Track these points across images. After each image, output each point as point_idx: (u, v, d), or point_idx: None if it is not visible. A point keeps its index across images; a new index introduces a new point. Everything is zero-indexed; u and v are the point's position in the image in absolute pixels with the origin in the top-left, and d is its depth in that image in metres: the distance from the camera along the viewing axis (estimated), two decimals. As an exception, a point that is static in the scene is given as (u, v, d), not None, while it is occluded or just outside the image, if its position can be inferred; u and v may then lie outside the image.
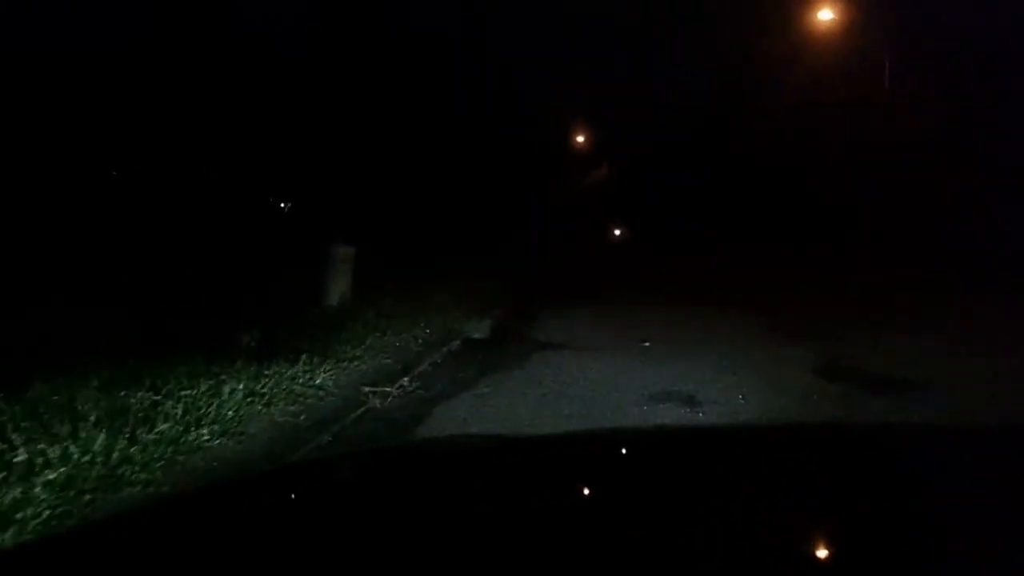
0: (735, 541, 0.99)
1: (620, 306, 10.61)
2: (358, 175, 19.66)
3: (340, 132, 20.04)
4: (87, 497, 2.96)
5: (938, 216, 17.34)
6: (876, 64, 19.96)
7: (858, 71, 20.85)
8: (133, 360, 4.78)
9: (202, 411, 4.11)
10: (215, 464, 3.61)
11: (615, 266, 18.72)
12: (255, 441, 4.04)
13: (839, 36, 20.70)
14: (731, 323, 8.86)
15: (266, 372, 5.14)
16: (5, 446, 3.21)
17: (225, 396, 4.41)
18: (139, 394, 4.12)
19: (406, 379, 5.86)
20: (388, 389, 5.50)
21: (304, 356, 5.72)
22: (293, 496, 1.33)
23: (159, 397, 4.11)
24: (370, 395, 5.33)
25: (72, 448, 3.27)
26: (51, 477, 2.98)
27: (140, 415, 3.79)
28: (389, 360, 6.58)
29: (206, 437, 3.85)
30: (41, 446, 3.25)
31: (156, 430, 3.68)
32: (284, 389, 4.98)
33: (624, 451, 1.63)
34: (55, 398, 3.88)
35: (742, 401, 5.35)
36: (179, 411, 3.98)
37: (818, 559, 1.02)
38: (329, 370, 5.66)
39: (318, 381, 5.34)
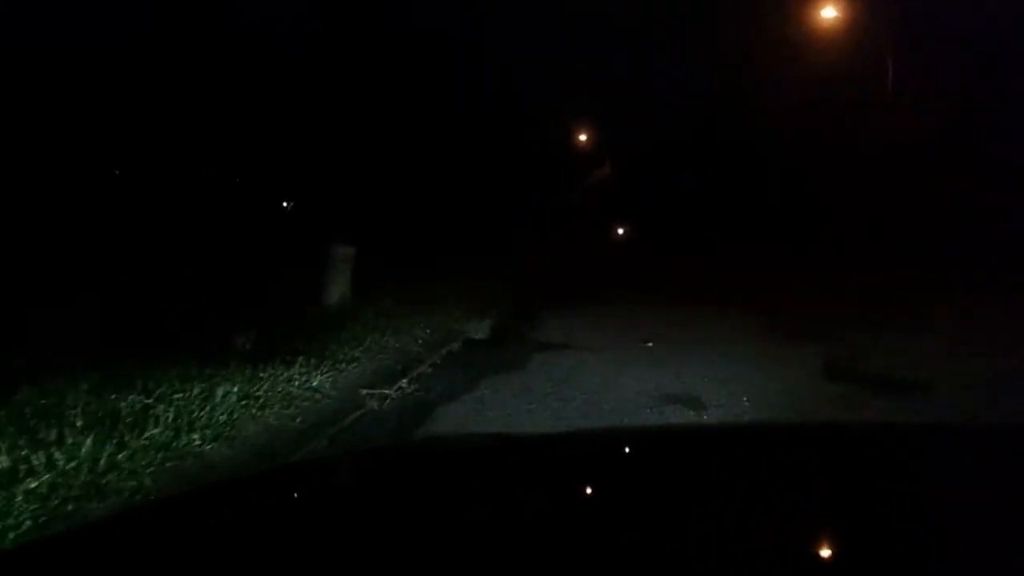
0: (736, 541, 0.98)
1: (621, 306, 10.52)
2: (358, 175, 19.58)
3: (340, 132, 19.97)
4: (70, 507, 2.85)
5: (938, 216, 17.26)
6: (878, 63, 19.90)
7: (860, 70, 20.78)
8: (125, 362, 4.68)
9: (194, 415, 4.00)
10: (206, 470, 3.50)
11: (616, 265, 18.64)
12: (248, 445, 3.93)
13: (840, 35, 20.64)
14: (733, 323, 8.79)
15: (262, 374, 5.02)
16: (-11, 452, 3.11)
17: (219, 399, 4.30)
18: (130, 397, 4.00)
19: (405, 381, 5.75)
20: (386, 391, 5.40)
21: (301, 357, 5.61)
22: (292, 496, 1.32)
23: (150, 401, 4.00)
24: (368, 397, 5.23)
25: (58, 454, 3.16)
26: (33, 485, 2.88)
27: (129, 420, 3.67)
28: (388, 361, 6.48)
29: (197, 442, 3.74)
30: (25, 452, 3.15)
31: (146, 435, 3.57)
32: (280, 391, 4.87)
33: (624, 450, 1.62)
34: (43, 402, 3.77)
35: (747, 403, 5.29)
36: (170, 415, 3.87)
37: (819, 558, 1.01)
38: (326, 372, 5.55)
39: (315, 383, 5.23)
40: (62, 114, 15.52)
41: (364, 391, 5.34)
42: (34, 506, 2.77)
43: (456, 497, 1.24)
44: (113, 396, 3.97)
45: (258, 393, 4.65)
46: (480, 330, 8.37)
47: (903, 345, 7.29)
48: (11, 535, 2.56)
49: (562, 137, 31.66)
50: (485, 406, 5.13)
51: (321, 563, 0.93)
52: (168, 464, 3.46)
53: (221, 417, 4.10)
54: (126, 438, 3.47)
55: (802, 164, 22.38)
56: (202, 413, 4.04)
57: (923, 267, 13.48)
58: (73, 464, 3.11)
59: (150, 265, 10.21)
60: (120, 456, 3.29)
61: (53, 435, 3.35)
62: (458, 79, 23.75)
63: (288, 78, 19.45)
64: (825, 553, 1.03)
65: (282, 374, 5.15)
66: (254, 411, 4.39)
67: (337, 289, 8.46)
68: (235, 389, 4.51)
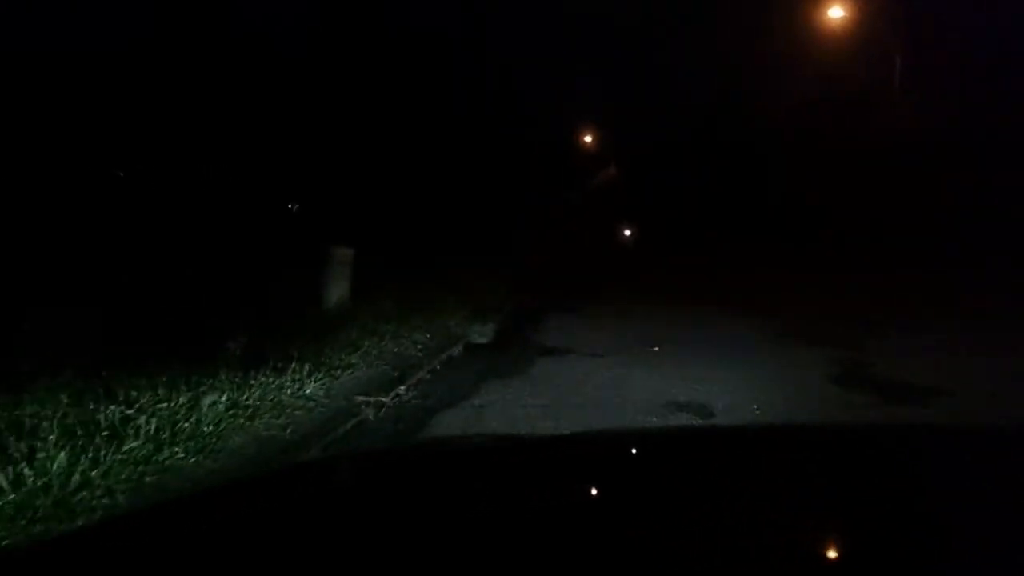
0: (738, 542, 0.98)
1: (626, 308, 10.39)
2: (358, 175, 19.42)
3: (340, 132, 19.82)
4: (37, 528, 2.64)
5: (938, 216, 17.15)
6: (882, 62, 19.75)
7: (862, 70, 20.65)
8: (112, 367, 4.47)
9: (178, 426, 3.78)
10: (188, 485, 3.29)
11: (616, 265, 18.52)
12: (235, 458, 3.72)
13: (844, 34, 20.51)
14: (739, 326, 8.69)
15: (252, 381, 4.80)
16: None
17: (205, 409, 4.08)
18: (110, 408, 3.79)
19: (402, 388, 5.56)
20: (383, 399, 5.19)
21: (295, 363, 5.39)
22: (293, 498, 1.30)
23: (131, 411, 3.78)
24: (363, 405, 5.02)
25: (27, 471, 2.95)
26: (-2, 505, 2.68)
27: (105, 433, 3.45)
28: (386, 367, 6.27)
29: (180, 455, 3.53)
30: (-7, 468, 2.94)
31: (124, 448, 3.36)
32: (271, 400, 4.65)
33: (626, 452, 1.61)
34: (17, 412, 3.56)
35: (757, 412, 5.17)
36: (152, 426, 3.66)
37: (821, 559, 1.01)
38: (321, 378, 5.33)
39: (308, 391, 5.02)
40: (63, 114, 15.39)
41: (359, 399, 5.14)
42: (-3, 529, 2.57)
43: (459, 499, 1.23)
44: (91, 406, 3.76)
45: (247, 402, 4.44)
46: (482, 333, 8.18)
47: (906, 346, 7.28)
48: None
49: (565, 138, 31.49)
50: (485, 414, 4.95)
51: (323, 565, 0.93)
52: (148, 479, 3.25)
53: (207, 428, 3.89)
54: (103, 452, 3.26)
55: (802, 164, 22.26)
56: (186, 424, 3.83)
57: (923, 267, 13.44)
58: (43, 481, 2.90)
59: (150, 266, 10.03)
60: (94, 472, 3.08)
61: (24, 449, 3.14)
62: (458, 79, 23.61)
63: (288, 78, 19.32)
64: (828, 554, 1.03)
65: (273, 381, 4.93)
66: (242, 421, 4.17)
67: (336, 291, 8.26)
68: (223, 398, 4.30)
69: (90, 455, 3.20)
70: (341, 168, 19.50)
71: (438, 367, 6.51)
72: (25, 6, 16.23)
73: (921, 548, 0.99)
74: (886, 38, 19.65)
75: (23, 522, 2.68)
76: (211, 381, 4.53)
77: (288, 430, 4.30)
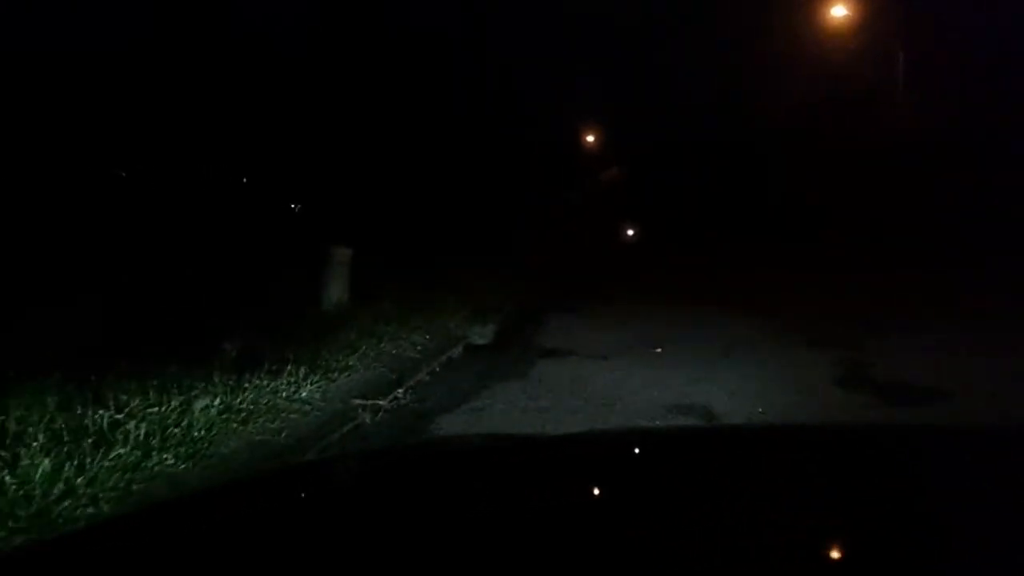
0: (738, 542, 0.97)
1: (626, 308, 10.30)
2: (358, 175, 19.35)
3: (340, 131, 19.76)
4: (18, 539, 2.54)
5: (938, 216, 17.10)
6: (886, 61, 19.70)
7: (865, 69, 20.60)
8: (104, 370, 4.36)
9: (168, 431, 3.68)
10: (177, 493, 3.18)
11: (617, 265, 18.44)
12: (226, 464, 3.62)
13: (845, 34, 20.46)
14: (740, 327, 8.58)
15: (246, 384, 4.70)
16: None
17: (197, 413, 3.98)
18: (99, 412, 3.68)
19: (400, 391, 5.46)
20: (380, 402, 5.10)
21: (290, 366, 5.29)
22: (294, 497, 1.30)
23: (120, 416, 3.68)
24: (360, 409, 4.93)
25: (9, 479, 2.85)
26: (-24, 516, 2.57)
27: (92, 439, 3.35)
28: (384, 369, 6.18)
29: (170, 461, 3.42)
30: (-27, 476, 2.84)
31: (112, 455, 3.26)
32: (265, 404, 4.55)
33: (626, 452, 1.60)
34: (3, 417, 3.45)
35: (761, 413, 5.07)
36: (142, 431, 3.55)
37: (821, 559, 1.01)
38: (317, 381, 5.23)
39: (304, 394, 4.92)
40: (64, 114, 15.34)
41: (356, 402, 5.04)
42: (-27, 540, 2.47)
43: (459, 499, 1.23)
44: (80, 410, 3.65)
45: (241, 405, 4.34)
46: (482, 334, 8.10)
47: (906, 346, 7.24)
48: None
49: (565, 138, 31.40)
50: (485, 418, 4.85)
51: (324, 565, 0.93)
52: (135, 487, 3.15)
53: (198, 433, 3.78)
54: (89, 459, 3.16)
55: (803, 164, 22.22)
56: (177, 429, 3.72)
57: (923, 267, 13.40)
58: (24, 490, 2.80)
59: (150, 266, 9.93)
60: (79, 480, 2.98)
61: (8, 456, 3.04)
62: (458, 79, 23.54)
63: (288, 78, 19.27)
64: (829, 554, 1.04)
65: (268, 384, 4.83)
66: (235, 425, 4.07)
67: (334, 292, 8.16)
68: (216, 401, 4.20)
69: (76, 462, 3.10)
70: (341, 168, 19.44)
71: (437, 369, 6.41)
72: (25, 6, 16.19)
73: (921, 548, 0.99)
74: (886, 38, 19.58)
75: (2, 533, 2.57)
76: (204, 384, 4.42)
77: (282, 435, 4.20)
